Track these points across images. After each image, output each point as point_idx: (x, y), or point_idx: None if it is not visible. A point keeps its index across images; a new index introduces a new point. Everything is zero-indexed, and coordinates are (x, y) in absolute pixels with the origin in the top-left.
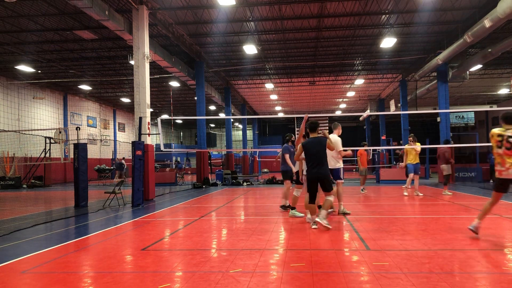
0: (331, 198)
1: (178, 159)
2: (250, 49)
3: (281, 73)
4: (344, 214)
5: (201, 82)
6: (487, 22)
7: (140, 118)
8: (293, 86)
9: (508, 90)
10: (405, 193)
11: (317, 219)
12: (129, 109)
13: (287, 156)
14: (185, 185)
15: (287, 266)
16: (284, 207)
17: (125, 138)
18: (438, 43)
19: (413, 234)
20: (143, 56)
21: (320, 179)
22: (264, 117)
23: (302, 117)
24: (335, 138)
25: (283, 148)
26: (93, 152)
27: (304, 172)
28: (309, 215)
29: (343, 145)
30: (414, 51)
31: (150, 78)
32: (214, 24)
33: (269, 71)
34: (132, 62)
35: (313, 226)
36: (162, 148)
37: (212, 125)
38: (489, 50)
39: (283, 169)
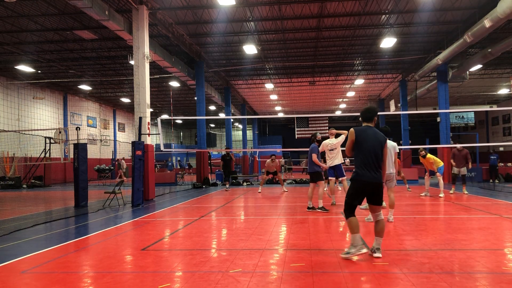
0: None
1: (178, 158)
2: (250, 49)
3: (281, 73)
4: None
5: (201, 82)
6: (487, 22)
7: (140, 118)
8: (293, 86)
9: (508, 90)
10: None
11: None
12: (129, 109)
13: (314, 156)
14: (185, 185)
15: (287, 266)
16: (324, 208)
17: (125, 138)
18: (438, 43)
19: (413, 234)
20: (143, 56)
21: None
22: (264, 117)
23: (302, 117)
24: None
25: (311, 148)
26: (93, 152)
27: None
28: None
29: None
30: (414, 51)
31: (150, 78)
32: (214, 24)
33: (269, 71)
34: (132, 62)
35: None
36: (162, 148)
37: (212, 125)
38: (489, 50)
39: (312, 171)
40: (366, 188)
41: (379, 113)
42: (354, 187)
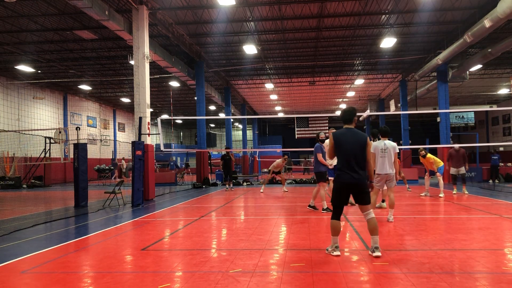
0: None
1: (177, 158)
2: (250, 49)
3: (281, 73)
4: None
5: (201, 82)
6: (487, 22)
7: (140, 118)
8: (293, 86)
9: (508, 90)
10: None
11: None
12: (129, 109)
13: (319, 155)
14: (185, 185)
15: (287, 266)
16: (327, 209)
17: (125, 138)
18: (438, 43)
19: (413, 234)
20: (143, 56)
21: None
22: (264, 117)
23: (302, 117)
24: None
25: (315, 147)
26: (93, 152)
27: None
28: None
29: None
30: (414, 51)
31: (150, 78)
32: (214, 24)
33: (269, 71)
34: (132, 62)
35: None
36: (162, 148)
37: (212, 125)
38: (489, 50)
39: (316, 171)
40: (346, 189)
41: (379, 113)
42: (334, 188)
